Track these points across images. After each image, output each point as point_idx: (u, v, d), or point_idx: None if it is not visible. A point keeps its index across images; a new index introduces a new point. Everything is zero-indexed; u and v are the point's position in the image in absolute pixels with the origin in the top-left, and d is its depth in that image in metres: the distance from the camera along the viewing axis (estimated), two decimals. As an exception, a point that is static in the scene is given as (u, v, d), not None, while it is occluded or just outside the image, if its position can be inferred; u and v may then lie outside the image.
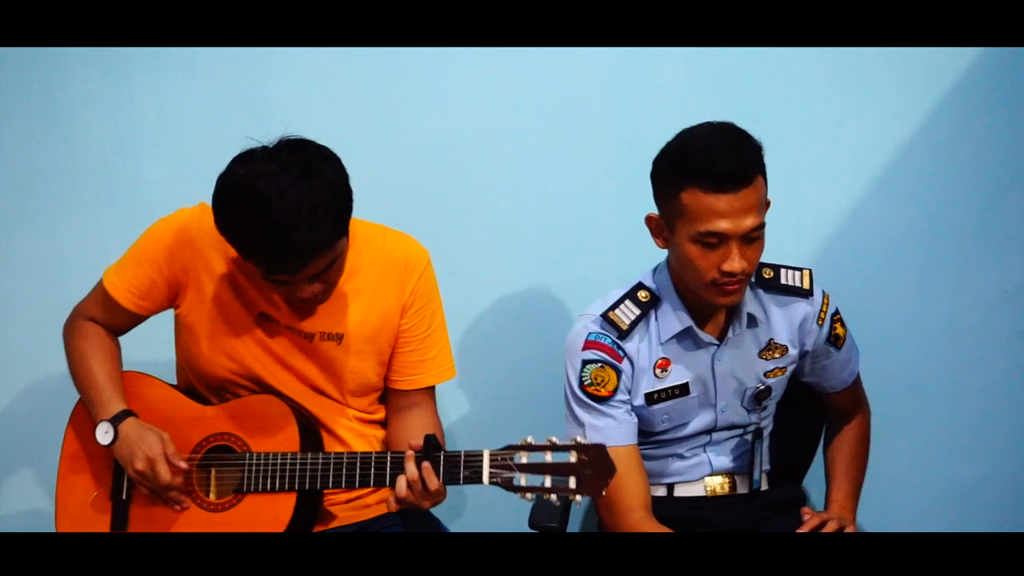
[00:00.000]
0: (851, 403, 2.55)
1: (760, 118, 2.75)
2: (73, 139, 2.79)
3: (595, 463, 2.07)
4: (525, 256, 2.85)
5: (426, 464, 2.13)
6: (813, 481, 2.66)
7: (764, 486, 2.47)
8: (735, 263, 2.20)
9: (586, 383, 2.33)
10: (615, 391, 2.32)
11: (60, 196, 2.80)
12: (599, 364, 2.32)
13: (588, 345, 2.33)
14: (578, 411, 2.34)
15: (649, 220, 2.32)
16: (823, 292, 2.42)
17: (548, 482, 2.08)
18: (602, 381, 2.32)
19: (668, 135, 2.31)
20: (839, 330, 2.44)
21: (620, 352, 2.33)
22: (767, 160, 2.25)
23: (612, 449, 2.23)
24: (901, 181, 2.83)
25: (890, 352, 2.86)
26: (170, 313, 2.37)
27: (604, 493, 2.09)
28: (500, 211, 2.84)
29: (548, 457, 2.09)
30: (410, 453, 2.15)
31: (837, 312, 2.44)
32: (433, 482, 2.13)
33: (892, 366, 2.87)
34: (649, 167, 2.32)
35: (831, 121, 2.82)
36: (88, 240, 2.79)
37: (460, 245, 2.60)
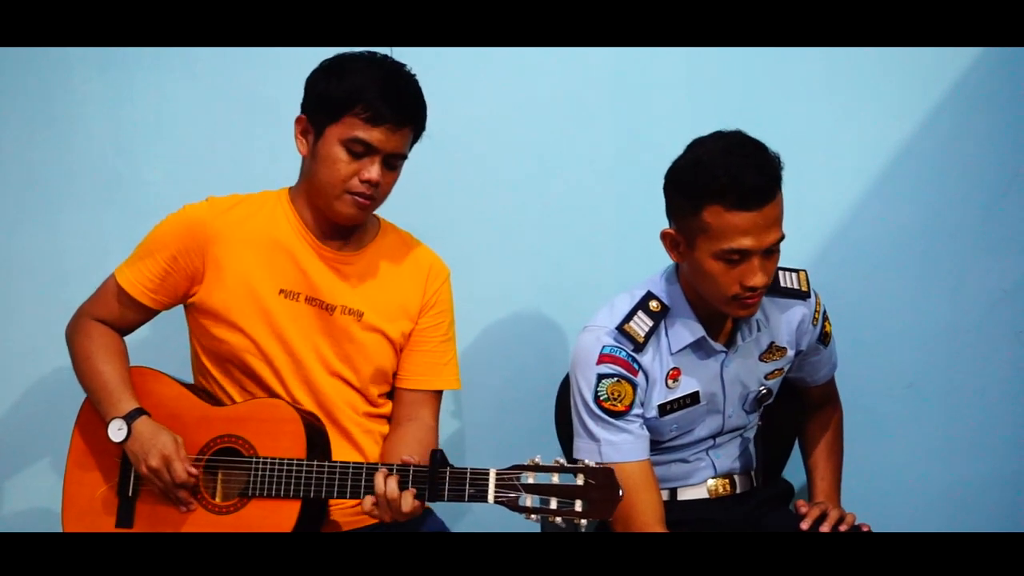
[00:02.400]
0: (828, 394, 2.58)
1: (760, 118, 2.75)
2: (73, 139, 2.79)
3: (602, 487, 2.06)
4: (524, 257, 2.85)
5: (411, 490, 2.13)
6: (788, 472, 2.67)
7: (756, 482, 2.49)
8: (758, 278, 2.18)
9: (602, 398, 2.28)
10: (631, 405, 2.28)
11: (60, 196, 2.80)
12: (615, 379, 2.27)
13: (603, 359, 2.28)
14: (592, 426, 2.29)
15: (664, 236, 2.27)
16: (814, 291, 2.43)
17: (554, 504, 2.07)
18: (619, 396, 2.28)
19: (668, 135, 2.30)
20: (827, 328, 2.46)
21: (635, 365, 2.28)
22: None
23: (628, 465, 2.25)
24: (901, 181, 2.83)
25: (890, 352, 2.86)
26: (178, 312, 2.37)
27: (611, 518, 2.08)
28: (499, 211, 2.84)
29: (555, 478, 2.08)
30: (383, 470, 2.15)
31: (825, 310, 2.46)
32: (408, 502, 2.13)
33: (892, 366, 2.87)
34: (649, 167, 2.32)
35: (831, 121, 2.82)
36: (88, 240, 2.79)
37: (459, 245, 2.59)
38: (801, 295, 2.38)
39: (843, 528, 2.34)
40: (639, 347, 2.28)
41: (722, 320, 2.32)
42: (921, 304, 2.87)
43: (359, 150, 2.24)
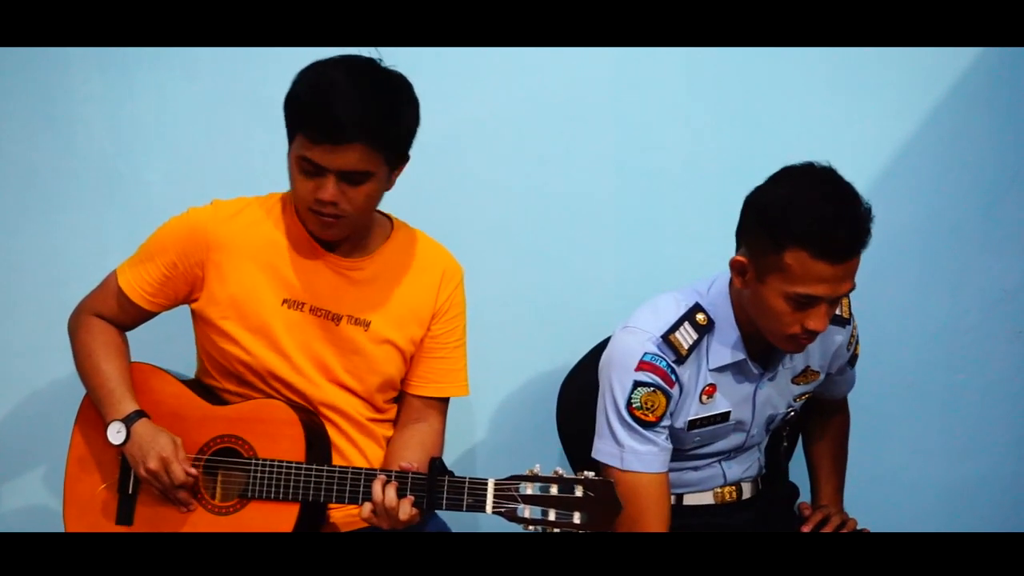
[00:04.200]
0: (839, 405, 2.57)
1: (760, 118, 2.76)
2: (73, 139, 2.79)
3: (602, 500, 2.05)
4: (524, 257, 2.85)
5: (409, 498, 2.12)
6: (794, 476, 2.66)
7: (761, 488, 2.48)
8: (821, 324, 2.13)
9: (635, 406, 2.23)
10: (662, 417, 2.24)
11: (60, 196, 2.80)
12: (652, 388, 2.22)
13: (643, 366, 2.22)
14: (620, 431, 2.24)
15: (735, 263, 2.19)
16: (852, 315, 2.39)
17: (553, 515, 2.06)
18: (652, 406, 2.23)
19: (668, 135, 2.30)
20: (857, 350, 2.44)
21: (673, 377, 2.22)
22: (768, 160, 2.24)
23: (647, 476, 2.23)
24: (901, 181, 2.83)
25: (890, 352, 2.86)
26: (184, 312, 2.37)
27: (614, 528, 2.07)
28: (500, 211, 2.84)
29: (554, 490, 2.07)
30: (393, 483, 2.14)
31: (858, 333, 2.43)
32: (406, 511, 2.12)
33: (892, 366, 2.87)
34: (650, 167, 2.32)
35: (831, 121, 2.82)
36: (88, 240, 2.79)
37: (458, 245, 2.59)
38: (843, 321, 2.34)
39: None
40: (681, 360, 2.23)
41: (766, 344, 2.26)
42: (921, 304, 2.87)
43: (309, 168, 2.16)
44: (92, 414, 2.32)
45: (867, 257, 2.82)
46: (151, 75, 2.78)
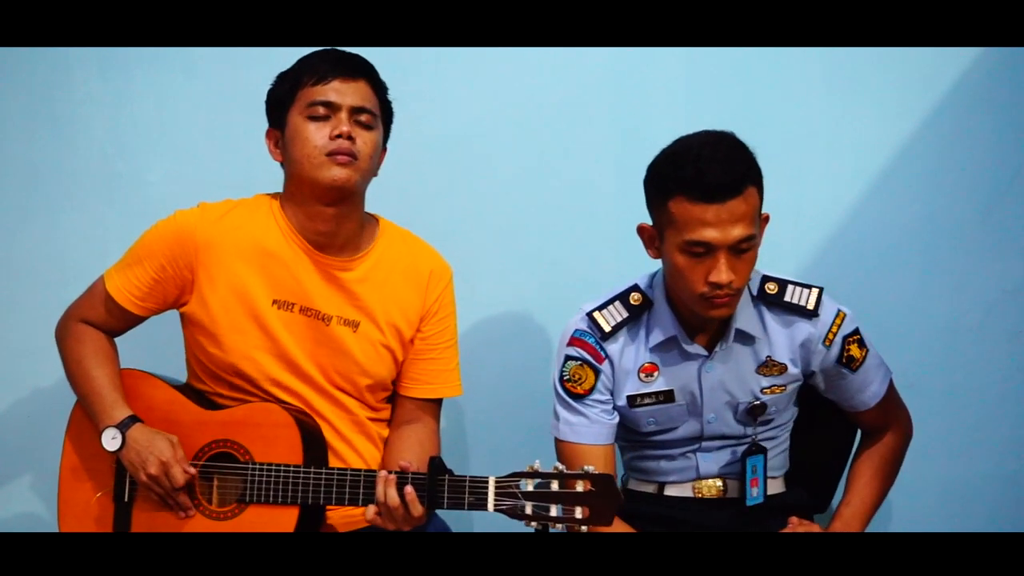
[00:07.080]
0: (878, 422, 2.47)
1: (759, 118, 2.76)
2: (73, 139, 2.79)
3: (603, 494, 2.06)
4: (524, 257, 2.85)
5: (409, 489, 2.12)
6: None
7: (760, 499, 2.41)
8: (722, 274, 2.16)
9: (565, 378, 2.35)
10: (591, 390, 2.34)
11: (60, 196, 2.80)
12: (579, 362, 2.34)
13: (572, 342, 2.35)
14: (556, 404, 2.37)
15: (641, 230, 2.30)
16: (838, 312, 2.35)
17: (554, 511, 2.07)
18: (579, 379, 2.34)
19: (668, 135, 2.30)
20: (854, 351, 2.37)
21: (602, 352, 2.33)
22: (767, 161, 2.24)
23: (582, 447, 2.32)
24: (901, 181, 2.83)
25: (890, 352, 2.84)
26: (176, 315, 2.37)
27: (611, 522, 2.07)
28: (500, 211, 2.84)
29: (555, 485, 2.08)
30: (391, 477, 2.13)
31: (855, 333, 2.36)
32: (417, 508, 2.12)
33: (892, 366, 2.85)
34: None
35: (831, 121, 2.82)
36: (88, 240, 2.79)
37: (458, 244, 2.60)
38: (806, 313, 2.32)
39: None
40: (605, 336, 2.33)
41: (705, 323, 2.31)
42: (921, 304, 2.87)
43: (322, 112, 2.24)
44: (83, 423, 2.31)
45: (867, 257, 2.85)
46: (151, 75, 2.78)
